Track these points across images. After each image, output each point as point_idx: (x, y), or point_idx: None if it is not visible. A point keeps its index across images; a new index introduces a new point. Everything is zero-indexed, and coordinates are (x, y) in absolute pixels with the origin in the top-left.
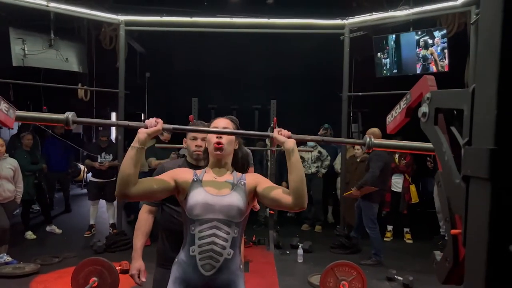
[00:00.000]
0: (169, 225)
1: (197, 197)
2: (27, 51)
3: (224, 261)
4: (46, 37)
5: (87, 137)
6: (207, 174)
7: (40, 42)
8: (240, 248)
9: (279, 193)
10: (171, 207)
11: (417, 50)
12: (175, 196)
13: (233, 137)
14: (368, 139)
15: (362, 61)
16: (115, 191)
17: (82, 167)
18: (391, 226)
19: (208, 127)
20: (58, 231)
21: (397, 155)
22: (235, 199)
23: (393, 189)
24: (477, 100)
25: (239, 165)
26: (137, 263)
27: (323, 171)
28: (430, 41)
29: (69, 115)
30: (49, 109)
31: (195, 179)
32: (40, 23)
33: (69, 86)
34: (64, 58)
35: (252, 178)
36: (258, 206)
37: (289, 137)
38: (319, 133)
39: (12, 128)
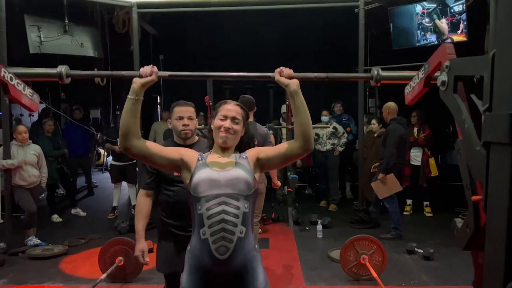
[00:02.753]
0: (165, 198)
1: (201, 174)
2: (43, 38)
3: (237, 240)
4: (61, 23)
5: (105, 122)
6: (211, 156)
7: (55, 29)
8: (252, 227)
9: (284, 146)
10: (164, 186)
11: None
12: (179, 175)
13: (240, 128)
14: (375, 72)
15: (378, 34)
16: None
17: (102, 151)
18: (411, 200)
19: (216, 110)
20: (82, 214)
21: (416, 129)
22: (241, 172)
23: (412, 162)
24: (497, 65)
25: (243, 149)
26: (140, 245)
27: (340, 148)
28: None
29: (62, 68)
30: (67, 95)
31: (200, 159)
32: (54, 10)
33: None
34: (79, 43)
35: (253, 151)
36: (279, 183)
37: (291, 77)
38: (334, 109)
39: (34, 114)
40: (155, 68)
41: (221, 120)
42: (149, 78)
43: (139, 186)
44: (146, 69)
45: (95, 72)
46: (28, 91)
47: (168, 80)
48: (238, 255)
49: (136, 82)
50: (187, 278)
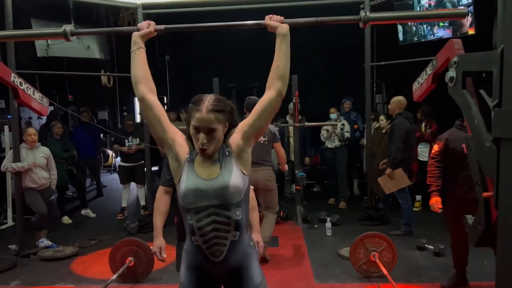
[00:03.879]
0: None
1: (188, 183)
2: (50, 41)
3: (231, 244)
4: None
5: (112, 123)
6: (198, 158)
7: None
8: (247, 227)
9: (261, 104)
10: None
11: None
12: (167, 156)
13: (219, 134)
14: (363, 14)
15: (383, 29)
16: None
17: (110, 152)
18: (420, 196)
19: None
20: (92, 215)
21: (423, 124)
22: (228, 177)
23: (419, 158)
24: (507, 60)
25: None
26: (158, 241)
27: (338, 132)
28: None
29: (67, 27)
30: (74, 97)
31: (189, 158)
32: (61, 13)
33: (91, 73)
34: (86, 46)
35: (233, 136)
36: (286, 167)
37: (281, 23)
38: (344, 105)
39: (45, 115)
40: (152, 22)
41: (195, 130)
42: (146, 30)
43: (158, 183)
44: (143, 24)
45: (98, 29)
46: (37, 95)
47: (174, 80)
48: (233, 256)
49: (135, 35)
50: (185, 275)
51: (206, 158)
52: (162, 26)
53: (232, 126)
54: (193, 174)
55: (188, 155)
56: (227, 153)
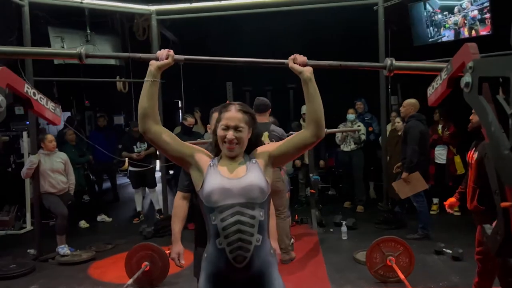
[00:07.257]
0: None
1: (213, 182)
2: (66, 48)
3: (254, 249)
4: (83, 33)
5: (129, 128)
6: (222, 161)
7: (78, 39)
8: (268, 232)
9: (295, 137)
10: None
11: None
12: (191, 178)
13: (245, 135)
14: (389, 62)
15: (398, 30)
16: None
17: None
18: (437, 199)
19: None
20: (108, 219)
21: (440, 126)
22: (253, 178)
23: (437, 161)
24: None
25: (251, 148)
26: (177, 247)
27: (363, 137)
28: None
29: (82, 49)
30: (91, 102)
31: (211, 164)
32: (76, 20)
33: (107, 79)
34: (101, 52)
35: (260, 151)
36: (298, 162)
37: (305, 65)
38: (356, 107)
39: (58, 125)
40: (171, 52)
41: (223, 130)
42: (165, 61)
43: (176, 189)
44: (162, 52)
45: (114, 54)
46: (51, 105)
47: (188, 85)
48: (255, 262)
49: (153, 65)
50: (204, 285)
51: (231, 160)
52: (181, 57)
53: (253, 135)
54: (217, 174)
55: (210, 161)
56: (253, 161)
